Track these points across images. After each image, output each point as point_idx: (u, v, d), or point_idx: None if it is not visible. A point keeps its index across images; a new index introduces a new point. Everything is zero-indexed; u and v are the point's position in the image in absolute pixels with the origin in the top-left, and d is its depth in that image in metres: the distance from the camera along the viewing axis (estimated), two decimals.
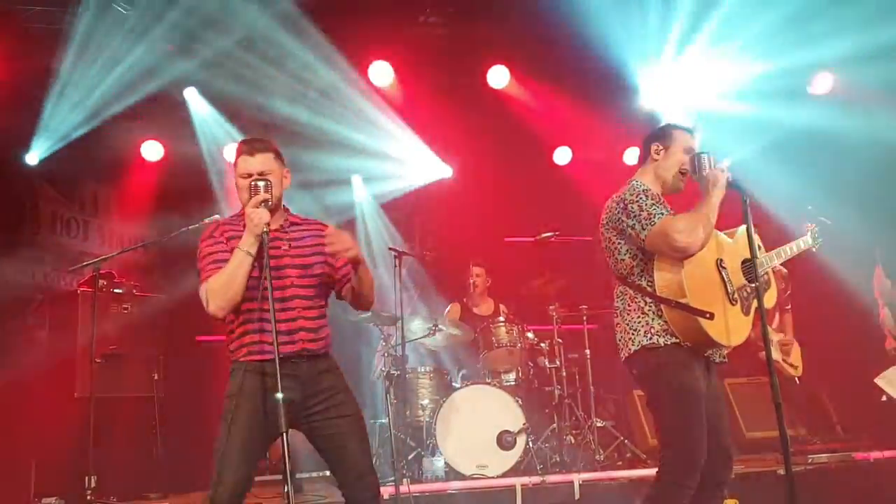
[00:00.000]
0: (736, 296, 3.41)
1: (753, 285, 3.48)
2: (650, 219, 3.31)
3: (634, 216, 3.35)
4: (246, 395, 3.25)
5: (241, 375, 3.29)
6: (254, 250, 3.25)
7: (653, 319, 3.36)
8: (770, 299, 3.61)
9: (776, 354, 6.66)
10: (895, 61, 6.86)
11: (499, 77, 7.61)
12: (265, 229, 3.23)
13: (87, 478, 5.39)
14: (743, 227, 3.58)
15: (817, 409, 7.44)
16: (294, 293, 3.38)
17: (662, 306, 3.32)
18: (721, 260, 3.43)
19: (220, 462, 3.18)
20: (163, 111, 7.52)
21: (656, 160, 3.58)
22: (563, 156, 8.92)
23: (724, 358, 3.51)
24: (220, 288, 3.25)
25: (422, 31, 7.32)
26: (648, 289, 3.37)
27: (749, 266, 3.49)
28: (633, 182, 3.55)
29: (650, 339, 3.36)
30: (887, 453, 5.87)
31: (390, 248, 6.72)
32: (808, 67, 7.64)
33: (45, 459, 6.01)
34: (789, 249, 3.86)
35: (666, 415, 3.36)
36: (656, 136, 3.63)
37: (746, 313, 3.46)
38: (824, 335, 7.15)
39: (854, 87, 7.63)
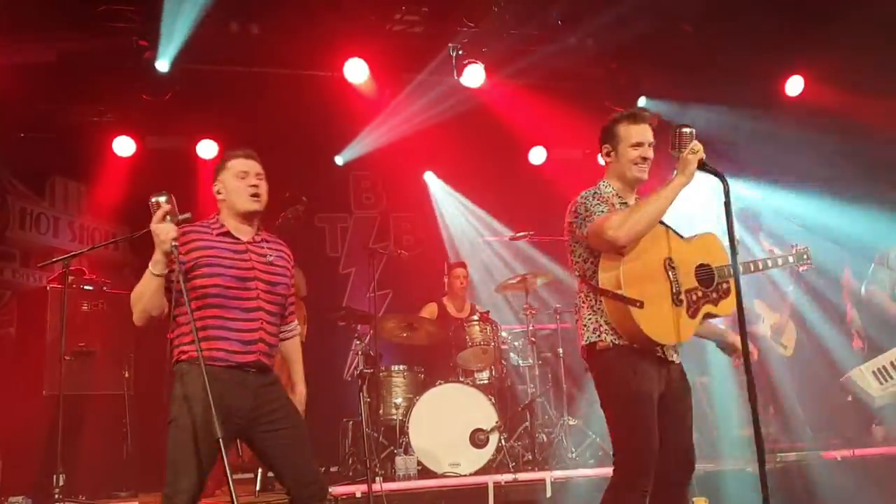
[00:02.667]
0: (682, 297, 3.40)
1: (709, 289, 3.47)
2: (590, 217, 3.38)
3: (580, 216, 3.43)
4: (198, 400, 3.23)
5: (191, 379, 3.28)
6: (158, 269, 3.27)
7: (601, 317, 3.42)
8: (728, 307, 3.53)
9: (767, 332, 6.77)
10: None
11: (474, 76, 7.61)
12: (173, 244, 3.23)
13: (55, 476, 5.33)
14: (706, 233, 3.59)
15: (786, 408, 7.53)
16: (259, 305, 3.42)
17: (602, 299, 3.38)
18: (670, 259, 3.42)
19: (176, 466, 3.20)
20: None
21: (609, 163, 3.60)
22: (538, 155, 8.95)
23: (674, 358, 3.50)
24: (134, 301, 3.35)
25: (398, 28, 7.32)
26: (596, 285, 3.42)
27: (704, 271, 3.48)
28: (600, 183, 3.59)
29: (598, 335, 3.42)
30: (854, 452, 5.96)
31: (365, 248, 6.73)
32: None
33: (12, 458, 5.93)
34: (770, 262, 3.80)
35: (615, 418, 3.43)
36: (603, 138, 3.61)
37: (693, 316, 3.43)
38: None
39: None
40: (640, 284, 3.33)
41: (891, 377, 4.81)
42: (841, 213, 7.17)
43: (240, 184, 3.49)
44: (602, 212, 3.37)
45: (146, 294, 3.29)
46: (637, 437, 3.34)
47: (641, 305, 3.29)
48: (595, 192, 3.48)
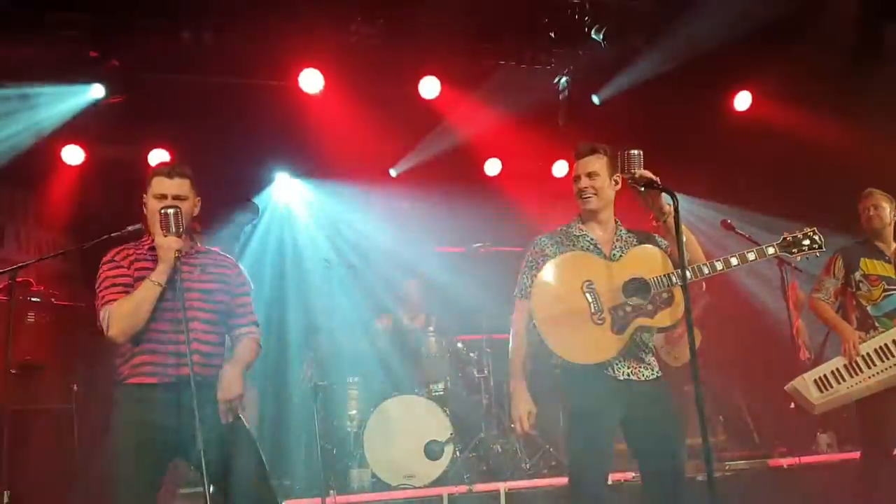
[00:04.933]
0: (604, 316, 3.47)
1: (643, 302, 3.48)
2: (517, 285, 3.73)
3: (521, 272, 3.74)
4: (134, 425, 3.26)
5: (125, 403, 3.31)
6: (163, 279, 3.30)
7: None
8: (666, 318, 3.51)
9: (661, 343, 6.87)
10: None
11: (430, 88, 7.65)
12: (176, 255, 3.29)
13: (0, 493, 5.20)
14: (638, 248, 3.62)
15: (735, 417, 7.68)
16: (194, 315, 3.38)
17: (542, 328, 3.55)
18: (589, 282, 3.51)
19: (116, 490, 3.21)
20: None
21: None
22: (493, 167, 9.00)
23: (629, 376, 3.53)
24: (126, 314, 3.26)
25: (353, 39, 7.33)
26: None
27: (634, 284, 3.51)
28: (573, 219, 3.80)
29: (553, 358, 3.57)
30: (799, 460, 6.10)
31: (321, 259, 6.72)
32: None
33: None
34: (753, 255, 3.60)
35: (565, 431, 3.68)
36: None
37: (619, 332, 3.48)
38: (742, 347, 7.38)
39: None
40: (553, 310, 3.50)
41: (830, 386, 4.93)
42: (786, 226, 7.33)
43: (155, 206, 3.42)
44: (522, 290, 3.68)
45: (146, 304, 3.27)
46: (577, 448, 3.50)
47: (539, 331, 3.51)
48: (535, 243, 3.74)
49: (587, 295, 3.50)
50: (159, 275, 3.29)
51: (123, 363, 3.35)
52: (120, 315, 3.26)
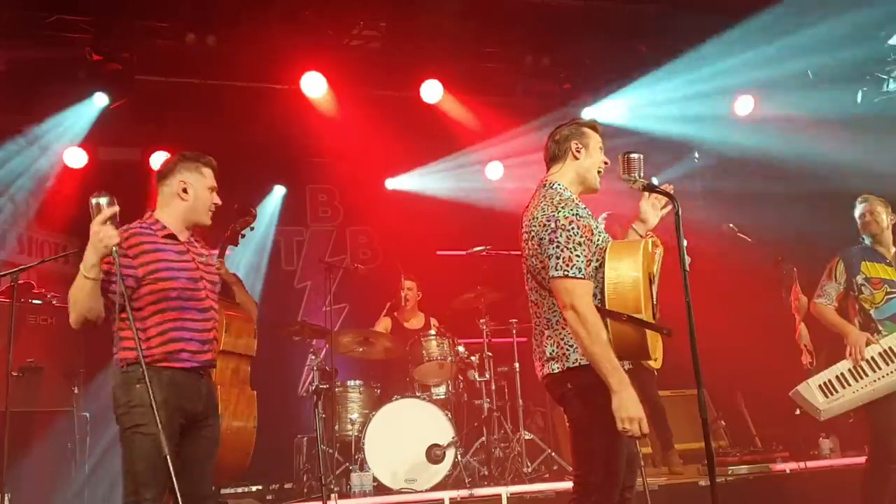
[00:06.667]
0: (655, 311, 3.27)
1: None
2: (568, 264, 3.08)
3: (557, 246, 3.11)
4: (162, 407, 3.11)
5: (153, 384, 3.14)
6: (93, 274, 3.12)
7: None
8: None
9: None
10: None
11: (432, 91, 7.64)
12: (114, 250, 3.11)
13: (0, 496, 5.19)
14: (653, 240, 3.50)
15: (737, 422, 7.66)
16: (210, 304, 3.45)
17: (609, 321, 3.06)
18: (651, 275, 3.25)
19: (139, 477, 3.15)
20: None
21: (577, 159, 3.40)
22: (495, 170, 9.00)
23: (631, 365, 3.37)
24: (69, 305, 3.21)
25: (356, 43, 7.34)
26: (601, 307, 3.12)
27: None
28: (557, 186, 3.36)
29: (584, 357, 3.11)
30: (802, 465, 6.08)
31: (321, 261, 6.70)
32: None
33: None
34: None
35: (591, 437, 3.14)
36: (573, 134, 3.44)
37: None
38: (744, 351, 7.36)
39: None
40: (646, 305, 3.11)
41: (836, 391, 4.92)
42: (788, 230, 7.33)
43: (209, 197, 3.52)
44: (580, 268, 3.06)
45: (80, 298, 3.16)
46: (612, 456, 3.15)
47: (670, 333, 3.10)
48: (576, 214, 3.18)
49: (651, 289, 3.23)
50: (86, 268, 3.18)
51: (150, 349, 3.24)
52: (69, 304, 3.24)
